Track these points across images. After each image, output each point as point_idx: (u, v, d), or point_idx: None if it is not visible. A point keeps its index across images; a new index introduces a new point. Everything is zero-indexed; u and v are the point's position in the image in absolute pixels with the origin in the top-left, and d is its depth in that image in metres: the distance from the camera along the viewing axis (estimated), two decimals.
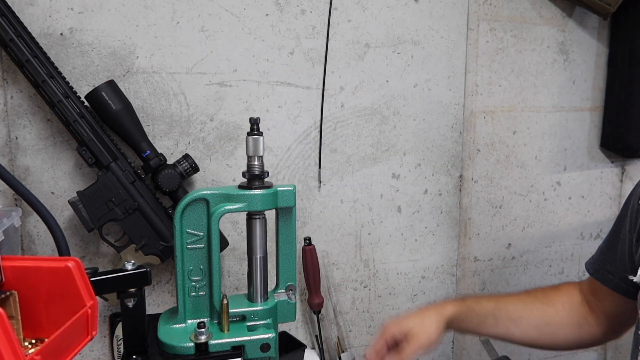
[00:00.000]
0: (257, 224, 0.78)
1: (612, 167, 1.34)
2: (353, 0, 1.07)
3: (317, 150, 1.09)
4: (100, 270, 0.69)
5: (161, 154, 0.93)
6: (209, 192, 0.75)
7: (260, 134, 0.75)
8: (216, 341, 0.73)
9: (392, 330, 0.85)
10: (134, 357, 0.71)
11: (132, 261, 0.71)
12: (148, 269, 0.70)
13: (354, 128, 1.11)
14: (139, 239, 0.92)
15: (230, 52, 1.00)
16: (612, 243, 0.83)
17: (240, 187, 0.76)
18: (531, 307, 0.88)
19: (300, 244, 1.07)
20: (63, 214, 0.95)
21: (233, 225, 1.06)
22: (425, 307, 0.91)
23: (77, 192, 0.89)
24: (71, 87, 0.88)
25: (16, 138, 0.92)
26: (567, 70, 1.26)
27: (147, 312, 0.74)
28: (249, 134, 0.75)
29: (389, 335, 0.85)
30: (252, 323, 0.77)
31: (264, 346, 0.74)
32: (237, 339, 0.74)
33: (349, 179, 1.13)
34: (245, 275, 0.99)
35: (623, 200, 1.12)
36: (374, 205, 1.15)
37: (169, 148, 0.99)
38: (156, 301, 1.04)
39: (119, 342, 0.99)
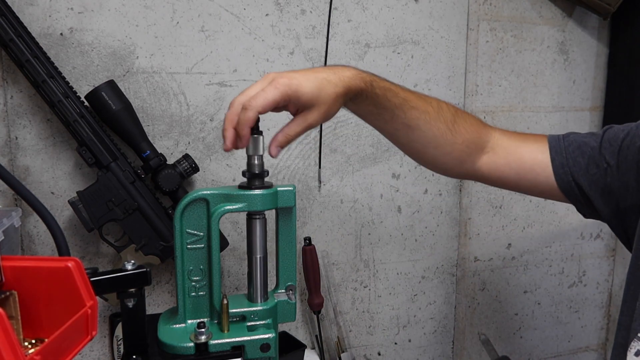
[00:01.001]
0: (257, 224, 0.78)
1: None
2: (353, 0, 1.07)
3: (317, 150, 1.09)
4: (100, 270, 0.69)
5: (161, 154, 0.93)
6: (209, 192, 0.75)
7: (260, 133, 0.75)
8: (216, 341, 0.73)
9: (286, 91, 0.69)
10: (134, 357, 0.71)
11: (132, 261, 0.70)
12: (148, 269, 0.70)
13: (354, 128, 1.11)
14: (139, 239, 0.92)
15: (230, 52, 1.00)
16: (596, 159, 0.78)
17: (240, 187, 0.76)
18: (432, 124, 0.79)
19: (300, 244, 1.07)
20: (63, 214, 0.95)
21: (233, 225, 1.06)
22: (320, 69, 0.75)
23: (77, 192, 0.89)
24: (71, 87, 0.88)
25: (16, 138, 0.92)
26: (567, 70, 1.26)
27: (147, 312, 0.73)
28: None
29: (281, 95, 0.69)
30: (252, 323, 0.77)
31: (264, 346, 0.74)
32: (237, 339, 0.74)
33: (349, 179, 1.13)
34: (245, 275, 0.99)
35: None
36: (374, 205, 1.15)
37: (169, 148, 0.99)
38: (156, 301, 1.04)
39: (119, 342, 0.99)
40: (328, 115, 0.73)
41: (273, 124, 1.05)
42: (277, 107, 0.72)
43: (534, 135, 0.85)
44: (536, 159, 0.81)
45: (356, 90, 0.74)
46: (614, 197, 0.77)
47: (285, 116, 1.06)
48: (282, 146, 0.73)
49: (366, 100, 0.76)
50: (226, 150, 0.71)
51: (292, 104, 0.72)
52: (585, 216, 0.83)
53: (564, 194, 0.81)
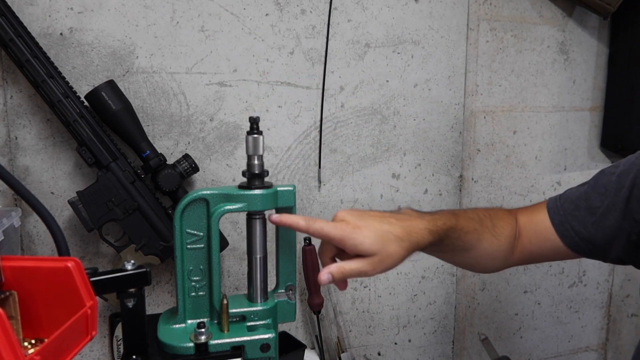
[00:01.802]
0: (257, 224, 0.78)
1: None
2: (353, 0, 1.07)
3: (317, 150, 1.09)
4: (100, 270, 0.69)
5: (161, 154, 0.93)
6: (208, 192, 0.75)
7: (260, 133, 0.75)
8: (216, 341, 0.73)
9: (344, 239, 0.69)
10: (134, 357, 0.71)
11: (132, 261, 0.70)
12: (148, 269, 0.70)
13: (354, 128, 1.11)
14: (139, 239, 0.92)
15: (230, 52, 1.00)
16: (595, 206, 0.81)
17: (240, 187, 0.76)
18: (482, 238, 0.83)
19: (300, 244, 1.07)
20: (63, 214, 0.95)
21: (233, 225, 1.06)
22: (391, 217, 0.74)
23: (77, 192, 0.89)
24: (71, 87, 0.88)
25: (16, 138, 0.92)
26: (567, 70, 1.26)
27: (147, 312, 0.73)
28: (248, 133, 0.75)
29: (339, 239, 0.69)
30: (252, 323, 0.77)
31: (264, 346, 0.74)
32: (237, 339, 0.74)
33: (349, 179, 1.12)
34: (245, 275, 0.99)
35: None
36: (374, 205, 1.15)
37: (169, 148, 0.99)
38: (156, 301, 1.04)
39: (119, 342, 0.99)
40: (386, 268, 0.71)
41: (273, 124, 1.05)
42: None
43: (539, 204, 0.88)
44: (545, 227, 0.85)
45: (423, 245, 0.74)
46: (624, 235, 0.78)
47: (285, 116, 1.06)
48: (334, 278, 0.70)
49: (431, 247, 0.76)
50: (322, 283, 0.71)
51: (349, 250, 0.71)
52: (606, 261, 0.85)
53: (573, 251, 0.84)
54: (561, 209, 0.84)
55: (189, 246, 0.76)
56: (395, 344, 1.23)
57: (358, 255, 0.70)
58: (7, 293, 0.55)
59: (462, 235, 0.80)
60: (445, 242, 0.78)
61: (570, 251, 0.84)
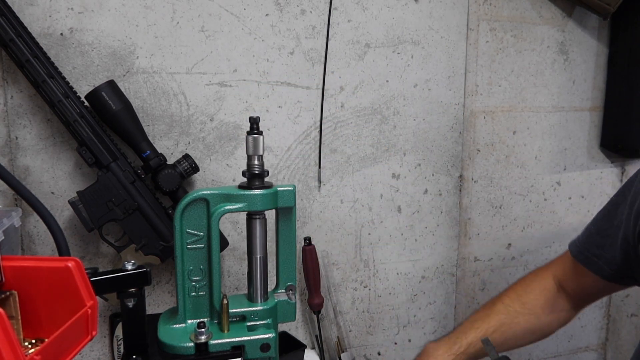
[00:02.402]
0: (257, 224, 0.78)
1: (612, 167, 1.34)
2: (353, 0, 1.07)
3: (317, 150, 1.09)
4: (100, 270, 0.69)
5: (161, 154, 0.93)
6: (209, 192, 0.75)
7: (260, 133, 0.75)
8: (216, 341, 0.73)
9: None
10: (134, 357, 0.71)
11: (132, 261, 0.71)
12: (148, 269, 0.70)
13: (354, 128, 1.11)
14: (139, 239, 0.92)
15: (230, 52, 1.00)
16: (603, 228, 0.84)
17: (240, 187, 0.76)
18: (515, 323, 0.90)
19: (300, 244, 1.07)
20: (63, 214, 0.95)
21: (233, 225, 1.06)
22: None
23: (77, 192, 0.89)
24: (71, 87, 0.88)
25: (16, 138, 0.92)
26: (567, 70, 1.26)
27: (147, 312, 0.74)
28: (248, 133, 0.75)
29: None
30: (252, 323, 0.77)
31: (264, 346, 0.74)
32: (237, 339, 0.74)
33: (349, 179, 1.13)
34: (245, 275, 0.99)
35: None
36: (374, 205, 1.15)
37: (169, 148, 0.99)
38: (156, 301, 1.04)
39: (119, 342, 0.99)
40: None
41: (273, 124, 1.05)
42: None
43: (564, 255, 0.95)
44: (573, 263, 0.90)
45: None
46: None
47: (285, 116, 1.06)
48: None
49: None
50: None
51: None
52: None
53: (605, 279, 0.86)
54: (578, 241, 0.89)
55: (189, 246, 0.76)
56: (395, 344, 1.23)
57: None
58: (8, 293, 0.55)
59: (497, 342, 0.86)
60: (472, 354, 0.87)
61: (603, 280, 0.86)
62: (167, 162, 0.94)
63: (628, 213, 0.79)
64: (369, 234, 1.16)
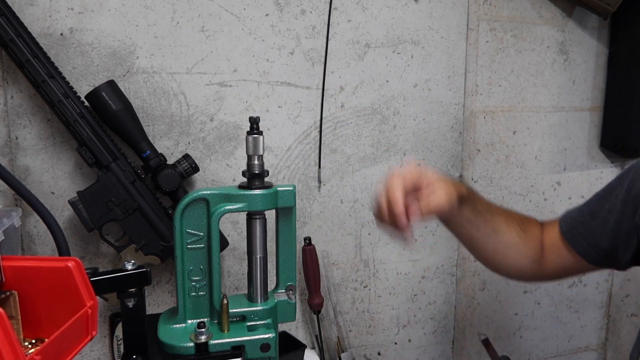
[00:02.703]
0: (257, 224, 0.78)
1: (612, 167, 1.34)
2: (353, 0, 1.07)
3: (317, 150, 1.09)
4: (100, 270, 0.69)
5: (161, 154, 0.93)
6: (209, 192, 0.75)
7: (260, 133, 0.75)
8: (216, 341, 0.73)
9: (412, 177, 0.74)
10: (134, 357, 0.71)
11: (132, 261, 0.71)
12: (148, 269, 0.70)
13: (354, 128, 1.11)
14: (139, 239, 0.92)
15: (230, 52, 1.00)
16: (595, 209, 0.84)
17: (240, 187, 0.76)
18: (511, 227, 0.87)
19: (300, 244, 1.07)
20: (63, 214, 0.95)
21: (233, 225, 1.06)
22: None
23: (77, 192, 0.89)
24: (71, 87, 0.88)
25: (16, 138, 0.92)
26: (567, 70, 1.26)
27: (147, 312, 0.74)
28: (248, 133, 0.75)
29: (409, 181, 0.74)
30: (252, 323, 0.77)
31: (264, 346, 0.74)
32: (237, 339, 0.74)
33: (349, 179, 1.13)
34: (245, 275, 0.99)
35: None
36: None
37: (169, 148, 0.99)
38: (156, 301, 1.04)
39: (119, 342, 0.99)
40: (449, 203, 0.76)
41: (273, 124, 1.05)
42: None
43: (557, 218, 0.91)
44: (559, 237, 0.88)
45: (463, 197, 0.80)
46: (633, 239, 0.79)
47: (285, 116, 1.06)
48: (424, 218, 0.75)
49: (466, 203, 0.82)
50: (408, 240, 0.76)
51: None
52: (620, 269, 0.86)
53: (588, 262, 0.85)
54: (569, 217, 0.87)
55: (189, 246, 0.76)
56: (395, 343, 1.23)
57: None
58: (8, 293, 0.55)
59: (491, 210, 0.86)
60: (477, 206, 0.84)
61: (585, 262, 0.85)
62: (167, 162, 0.94)
63: (624, 197, 0.78)
64: (369, 234, 1.16)
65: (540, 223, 0.92)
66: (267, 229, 0.79)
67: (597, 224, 0.82)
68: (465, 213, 0.83)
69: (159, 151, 0.94)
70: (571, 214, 0.88)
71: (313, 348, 1.14)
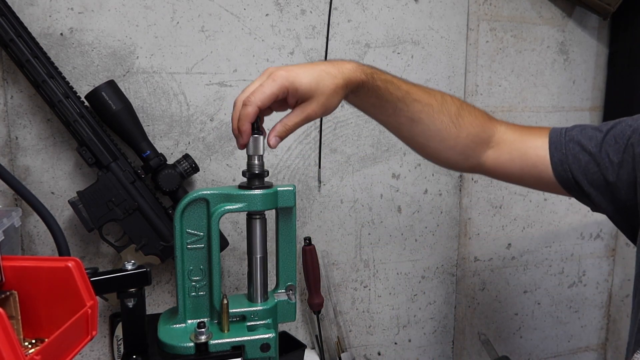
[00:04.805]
0: (257, 224, 0.78)
1: None
2: (353, 0, 1.07)
3: (317, 150, 1.09)
4: (100, 270, 0.69)
5: (161, 154, 0.93)
6: (209, 192, 0.74)
7: (260, 133, 0.75)
8: (216, 341, 0.73)
9: (284, 83, 0.69)
10: (134, 357, 0.71)
11: (132, 261, 0.70)
12: (148, 269, 0.70)
13: (354, 128, 1.11)
14: (139, 239, 0.93)
15: (230, 52, 1.00)
16: (593, 153, 0.77)
17: (240, 187, 0.76)
18: (436, 118, 0.79)
19: (300, 244, 1.07)
20: (63, 214, 0.95)
21: (233, 225, 1.06)
22: (319, 62, 0.76)
23: (77, 192, 0.89)
24: (71, 87, 0.88)
25: (16, 138, 0.92)
26: (567, 70, 1.26)
27: (147, 312, 0.74)
28: None
29: (279, 87, 0.69)
30: (252, 323, 0.77)
31: (264, 346, 0.74)
32: (237, 339, 0.74)
33: (349, 179, 1.13)
34: (245, 275, 0.99)
35: None
36: (374, 205, 1.15)
37: (169, 148, 0.99)
38: (156, 301, 1.04)
39: (119, 342, 0.99)
40: (327, 107, 0.72)
41: (273, 123, 1.05)
42: (277, 102, 0.71)
43: (538, 129, 0.84)
44: (539, 155, 0.81)
45: (356, 82, 0.73)
46: (618, 194, 0.76)
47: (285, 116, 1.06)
48: (281, 137, 0.72)
49: (368, 92, 0.75)
50: (242, 148, 0.71)
51: (290, 97, 0.71)
52: (593, 210, 0.82)
53: (565, 190, 0.81)
54: (565, 147, 0.80)
55: (189, 246, 0.76)
56: (395, 343, 1.23)
57: (296, 105, 0.72)
58: (8, 293, 0.55)
59: (408, 98, 0.78)
60: (384, 96, 0.76)
61: (560, 188, 0.81)
62: (167, 162, 0.94)
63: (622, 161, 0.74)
64: (369, 234, 1.16)
65: (499, 122, 0.85)
66: (267, 229, 0.79)
67: (595, 171, 0.77)
68: (368, 100, 0.77)
69: (159, 151, 0.94)
70: (568, 145, 0.80)
71: (313, 348, 1.14)
